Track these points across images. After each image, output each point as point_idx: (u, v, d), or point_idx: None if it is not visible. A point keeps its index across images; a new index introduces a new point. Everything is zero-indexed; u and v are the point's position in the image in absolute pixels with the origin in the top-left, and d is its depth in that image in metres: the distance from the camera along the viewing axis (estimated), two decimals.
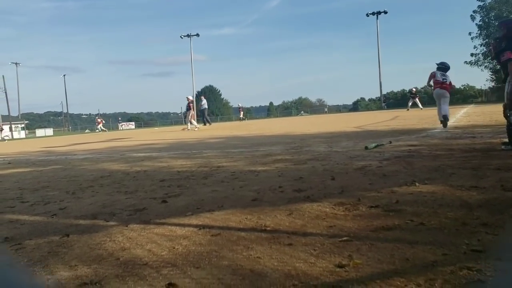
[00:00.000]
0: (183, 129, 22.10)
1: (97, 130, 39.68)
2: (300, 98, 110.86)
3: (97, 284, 1.80)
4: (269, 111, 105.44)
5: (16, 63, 75.40)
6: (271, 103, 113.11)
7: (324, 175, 4.14)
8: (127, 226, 2.75)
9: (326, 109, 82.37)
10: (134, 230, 2.63)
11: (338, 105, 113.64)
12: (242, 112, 44.50)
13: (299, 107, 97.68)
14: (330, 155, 5.89)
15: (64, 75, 79.12)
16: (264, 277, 1.71)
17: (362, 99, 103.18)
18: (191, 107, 22.48)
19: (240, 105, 48.33)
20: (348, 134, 10.35)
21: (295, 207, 2.90)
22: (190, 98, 22.64)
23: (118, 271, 1.93)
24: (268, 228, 2.44)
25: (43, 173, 6.50)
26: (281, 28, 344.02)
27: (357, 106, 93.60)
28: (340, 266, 1.76)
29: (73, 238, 2.56)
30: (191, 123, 22.01)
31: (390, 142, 6.90)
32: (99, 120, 43.04)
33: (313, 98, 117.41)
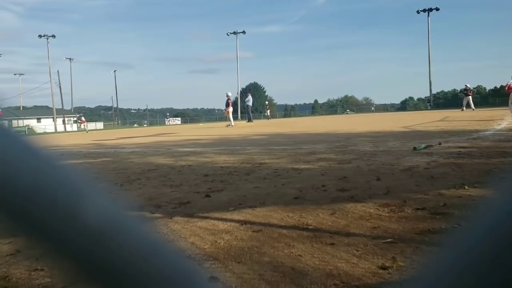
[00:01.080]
0: (227, 125, 22.37)
1: (86, 130, 37.29)
2: (346, 96, 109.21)
3: None
4: (313, 108, 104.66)
5: (70, 59, 78.90)
6: (316, 101, 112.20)
7: (369, 175, 4.06)
8: (171, 218, 2.82)
9: (373, 108, 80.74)
10: (178, 223, 2.69)
11: (385, 104, 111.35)
12: (268, 110, 42.31)
13: (345, 105, 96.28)
14: (376, 154, 5.77)
15: (114, 71, 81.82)
16: (305, 275, 1.71)
17: (411, 98, 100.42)
18: (230, 103, 22.71)
19: (267, 102, 47.34)
20: (395, 134, 10.10)
21: (338, 206, 2.86)
22: (229, 94, 22.89)
23: None
24: (310, 227, 2.42)
25: (93, 165, 6.78)
26: (328, 25, 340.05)
27: (405, 105, 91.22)
28: (383, 268, 1.73)
29: None
30: (228, 119, 22.27)
31: (439, 144, 6.66)
32: (83, 119, 42.15)
33: (359, 97, 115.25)
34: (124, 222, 0.20)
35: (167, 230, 2.54)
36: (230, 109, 22.72)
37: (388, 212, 2.65)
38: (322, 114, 71.86)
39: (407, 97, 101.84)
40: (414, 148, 6.09)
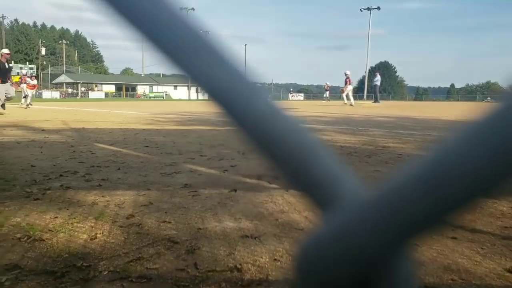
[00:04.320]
0: (343, 104, 21.92)
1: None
2: (488, 82, 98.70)
3: (256, 239, 1.95)
4: (448, 93, 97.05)
5: (205, 32, 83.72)
6: (452, 85, 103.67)
7: None
8: (287, 191, 2.88)
9: None
10: (293, 196, 2.75)
11: None
12: (328, 92, 37.30)
13: (486, 92, 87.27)
14: None
15: (245, 45, 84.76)
16: (420, 265, 1.63)
17: None
18: (349, 82, 22.14)
19: (328, 83, 39.34)
20: None
21: None
22: (348, 73, 22.26)
23: (276, 231, 2.06)
24: None
25: (220, 132, 7.19)
26: (476, 2, 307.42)
27: None
28: (511, 271, 1.57)
29: (239, 194, 2.80)
30: (347, 98, 21.77)
31: None
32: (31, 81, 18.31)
33: (504, 84, 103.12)
34: (278, 113, 0.30)
35: (283, 201, 2.61)
36: (349, 87, 22.22)
37: None
38: (458, 100, 66.19)
39: None
40: None
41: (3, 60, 11.29)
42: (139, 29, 0.30)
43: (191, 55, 0.30)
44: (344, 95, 22.23)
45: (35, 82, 19.81)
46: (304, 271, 0.28)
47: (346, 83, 22.27)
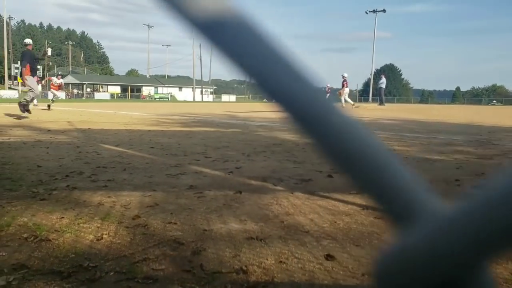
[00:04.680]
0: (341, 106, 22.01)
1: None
2: (493, 86, 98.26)
3: (261, 241, 1.95)
4: (454, 96, 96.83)
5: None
6: (457, 88, 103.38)
7: None
8: (292, 193, 2.88)
9: None
10: (299, 198, 2.75)
11: None
12: (328, 94, 37.29)
13: (491, 95, 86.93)
14: None
15: None
16: None
17: None
18: (345, 84, 22.24)
19: (328, 85, 39.90)
20: None
21: None
22: (346, 75, 22.34)
23: (281, 233, 2.06)
24: None
25: (225, 134, 7.20)
26: (481, 5, 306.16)
27: None
28: None
29: (244, 196, 2.80)
30: (345, 100, 21.84)
31: None
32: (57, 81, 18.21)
33: (510, 87, 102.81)
34: (355, 126, 0.32)
35: (288, 204, 2.61)
36: (346, 90, 22.33)
37: None
38: (463, 103, 65.91)
39: None
40: None
41: (30, 48, 10.34)
42: (208, 38, 0.31)
43: (258, 60, 0.31)
44: (342, 98, 22.30)
45: (61, 81, 17.59)
46: (386, 282, 0.28)
47: (343, 86, 22.37)
